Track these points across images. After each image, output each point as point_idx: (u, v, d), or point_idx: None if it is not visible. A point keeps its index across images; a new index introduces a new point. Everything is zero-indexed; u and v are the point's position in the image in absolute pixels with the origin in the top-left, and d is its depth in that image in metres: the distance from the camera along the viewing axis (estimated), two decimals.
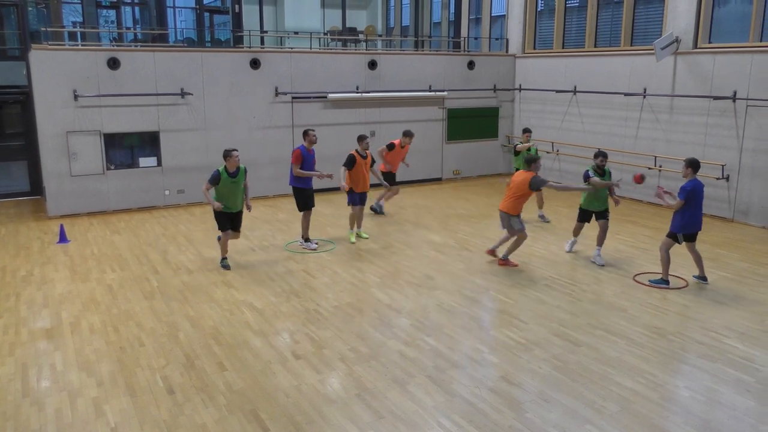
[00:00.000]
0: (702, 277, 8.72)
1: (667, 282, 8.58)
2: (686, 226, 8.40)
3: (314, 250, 10.31)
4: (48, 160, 12.41)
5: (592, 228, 9.98)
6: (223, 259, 9.52)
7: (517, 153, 12.30)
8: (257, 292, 8.41)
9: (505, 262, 9.53)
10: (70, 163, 12.53)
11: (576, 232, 10.11)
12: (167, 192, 13.58)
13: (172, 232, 11.50)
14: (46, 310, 7.83)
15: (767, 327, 7.28)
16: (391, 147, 12.32)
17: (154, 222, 12.29)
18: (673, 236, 8.51)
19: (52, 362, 6.44)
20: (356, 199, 10.70)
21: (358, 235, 10.99)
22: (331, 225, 11.91)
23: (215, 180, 9.09)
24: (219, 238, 9.71)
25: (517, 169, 11.51)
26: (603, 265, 9.44)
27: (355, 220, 10.91)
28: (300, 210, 10.37)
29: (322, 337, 7.02)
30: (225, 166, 9.17)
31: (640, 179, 9.01)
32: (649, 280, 8.77)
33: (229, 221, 9.35)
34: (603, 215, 9.61)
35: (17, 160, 14.60)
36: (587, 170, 9.51)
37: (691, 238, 8.50)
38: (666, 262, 8.57)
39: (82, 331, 7.21)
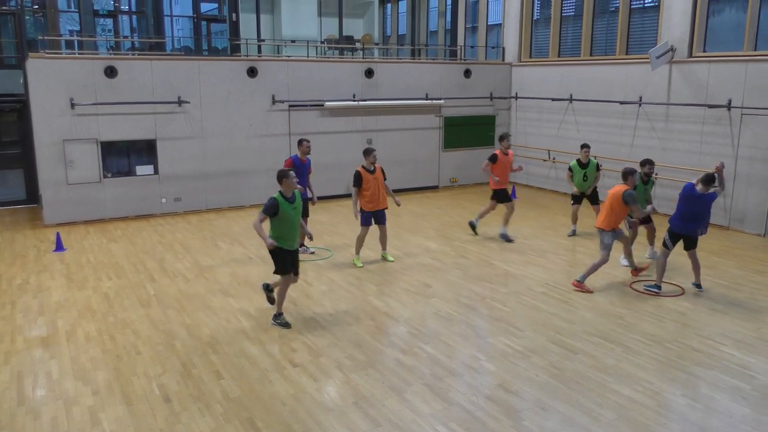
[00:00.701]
0: (697, 284, 8.74)
1: (659, 287, 8.62)
2: (671, 225, 8.58)
3: (312, 254, 10.34)
4: (45, 169, 12.40)
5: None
6: (280, 315, 7.55)
7: (584, 166, 11.44)
8: (254, 300, 8.40)
9: (579, 285, 8.80)
10: (66, 171, 12.52)
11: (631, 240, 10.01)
12: (164, 200, 13.57)
13: (168, 240, 11.49)
14: (42, 318, 7.81)
15: (763, 334, 7.29)
16: (494, 159, 11.08)
17: (150, 230, 12.28)
18: (664, 243, 8.62)
19: (47, 370, 6.42)
20: (369, 219, 9.75)
21: (384, 258, 10.14)
22: (328, 233, 11.90)
23: (273, 209, 7.07)
24: (268, 287, 7.77)
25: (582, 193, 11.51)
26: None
27: (362, 242, 9.94)
28: None
29: (319, 345, 7.01)
30: (280, 191, 7.25)
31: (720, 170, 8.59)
32: (645, 286, 8.79)
33: (291, 261, 7.40)
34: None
35: (14, 168, 14.58)
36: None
37: (676, 239, 8.55)
38: (661, 268, 8.63)
39: (78, 339, 7.18)
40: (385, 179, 9.84)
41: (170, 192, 13.60)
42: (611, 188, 8.74)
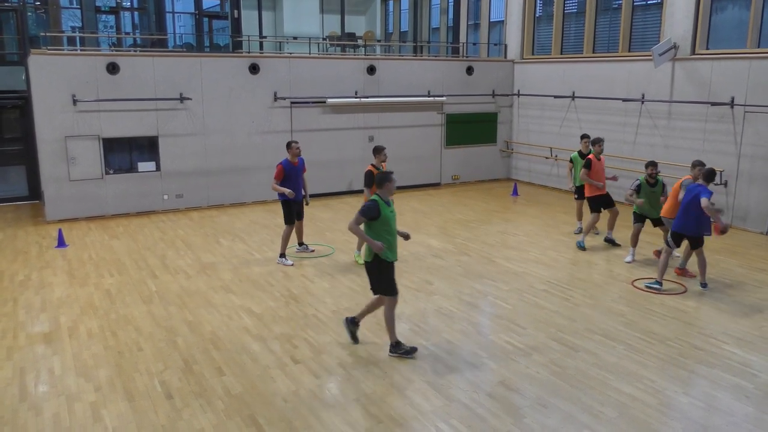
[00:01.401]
0: (702, 284, 8.73)
1: (660, 284, 8.60)
2: (672, 225, 8.61)
3: (290, 265, 9.71)
4: (47, 165, 12.41)
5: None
6: (398, 344, 6.63)
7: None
8: (256, 297, 8.41)
9: (682, 271, 9.23)
10: (68, 167, 12.53)
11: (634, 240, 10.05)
12: (166, 197, 13.58)
13: (170, 237, 11.50)
14: (44, 315, 7.82)
15: (765, 333, 7.28)
16: (588, 164, 10.43)
17: (152, 226, 12.29)
18: (667, 242, 8.65)
19: (50, 367, 6.43)
20: None
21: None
22: (330, 230, 11.90)
23: (374, 212, 6.26)
24: (353, 321, 6.93)
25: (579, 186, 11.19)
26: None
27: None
28: (285, 223, 9.83)
29: (321, 342, 7.02)
30: (378, 194, 6.42)
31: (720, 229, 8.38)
32: (645, 284, 8.79)
33: (393, 272, 6.55)
34: (659, 221, 9.72)
35: (16, 164, 14.61)
36: (637, 181, 9.63)
37: (677, 238, 8.56)
38: (662, 265, 8.62)
39: (80, 335, 7.20)
40: None
41: (172, 188, 13.61)
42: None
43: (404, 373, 6.27)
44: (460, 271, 9.56)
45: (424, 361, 6.53)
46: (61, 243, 10.85)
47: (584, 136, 11.44)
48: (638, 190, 9.53)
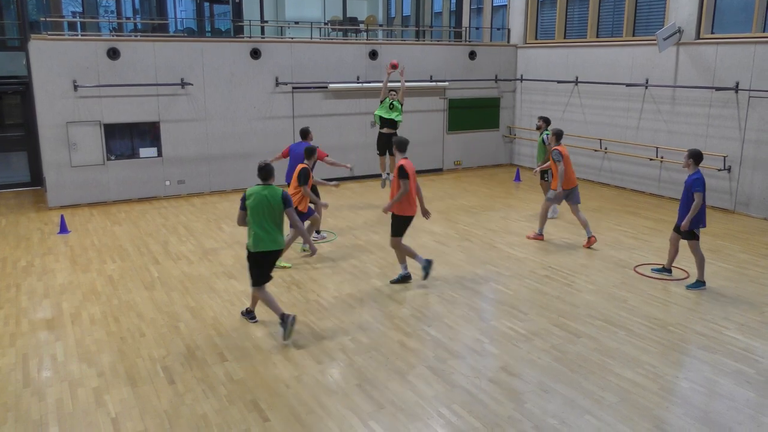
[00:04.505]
0: (699, 281, 8.38)
1: (704, 283, 8.18)
2: (702, 219, 8.03)
3: (324, 238, 10.39)
4: (48, 151, 12.39)
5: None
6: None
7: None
8: None
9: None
10: (70, 153, 12.51)
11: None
12: (168, 182, 13.57)
13: (172, 223, 11.50)
14: (47, 301, 7.84)
15: (767, 319, 7.27)
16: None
17: (154, 213, 12.29)
18: (694, 235, 8.04)
19: (52, 353, 6.46)
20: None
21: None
22: (332, 216, 11.89)
23: (241, 203, 6.77)
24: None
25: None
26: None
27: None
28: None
29: (323, 327, 7.03)
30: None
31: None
32: (653, 269, 8.76)
33: (255, 263, 6.86)
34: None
35: (17, 150, 14.57)
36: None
37: (676, 229, 8.26)
38: (702, 262, 8.13)
39: (83, 321, 7.22)
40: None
41: (174, 174, 13.59)
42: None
43: (406, 358, 6.29)
44: (462, 256, 9.56)
45: (426, 347, 6.54)
46: (63, 229, 10.86)
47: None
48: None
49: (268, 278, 6.86)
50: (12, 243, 10.32)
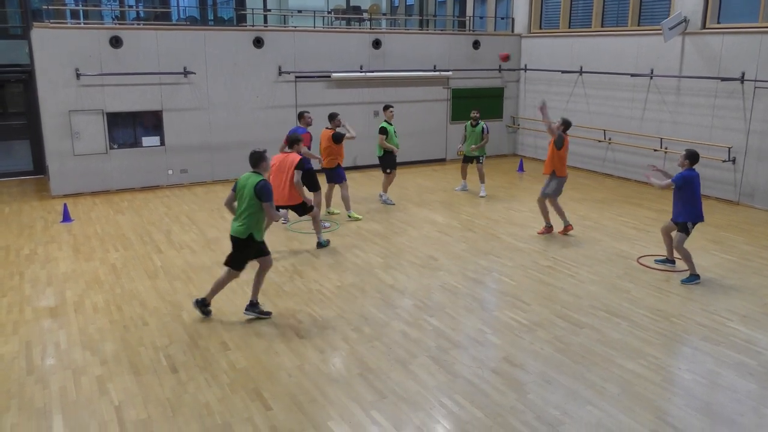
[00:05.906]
0: (689, 277, 8.25)
1: (698, 276, 8.11)
2: (698, 215, 8.00)
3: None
4: (51, 139, 12.38)
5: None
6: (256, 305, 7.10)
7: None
8: None
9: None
10: (73, 142, 12.50)
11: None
12: (170, 171, 13.56)
13: (175, 212, 11.50)
14: (50, 289, 7.86)
15: None
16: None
17: (157, 201, 12.29)
18: (684, 228, 8.01)
19: (56, 340, 6.47)
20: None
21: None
22: (335, 205, 11.87)
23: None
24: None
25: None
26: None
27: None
28: (314, 191, 10.29)
29: (325, 317, 7.04)
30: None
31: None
32: (656, 260, 8.74)
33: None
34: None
35: (20, 139, 14.58)
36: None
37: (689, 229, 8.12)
38: (688, 257, 8.08)
39: (86, 309, 7.24)
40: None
41: (176, 163, 13.58)
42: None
43: (408, 348, 6.29)
44: (464, 247, 9.55)
45: (428, 337, 6.54)
46: (66, 218, 10.87)
47: (387, 107, 11.91)
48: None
49: (240, 267, 6.92)
50: (15, 231, 10.33)
